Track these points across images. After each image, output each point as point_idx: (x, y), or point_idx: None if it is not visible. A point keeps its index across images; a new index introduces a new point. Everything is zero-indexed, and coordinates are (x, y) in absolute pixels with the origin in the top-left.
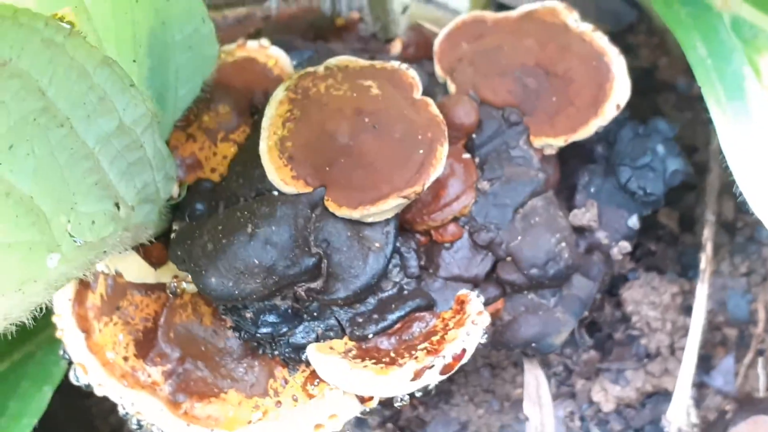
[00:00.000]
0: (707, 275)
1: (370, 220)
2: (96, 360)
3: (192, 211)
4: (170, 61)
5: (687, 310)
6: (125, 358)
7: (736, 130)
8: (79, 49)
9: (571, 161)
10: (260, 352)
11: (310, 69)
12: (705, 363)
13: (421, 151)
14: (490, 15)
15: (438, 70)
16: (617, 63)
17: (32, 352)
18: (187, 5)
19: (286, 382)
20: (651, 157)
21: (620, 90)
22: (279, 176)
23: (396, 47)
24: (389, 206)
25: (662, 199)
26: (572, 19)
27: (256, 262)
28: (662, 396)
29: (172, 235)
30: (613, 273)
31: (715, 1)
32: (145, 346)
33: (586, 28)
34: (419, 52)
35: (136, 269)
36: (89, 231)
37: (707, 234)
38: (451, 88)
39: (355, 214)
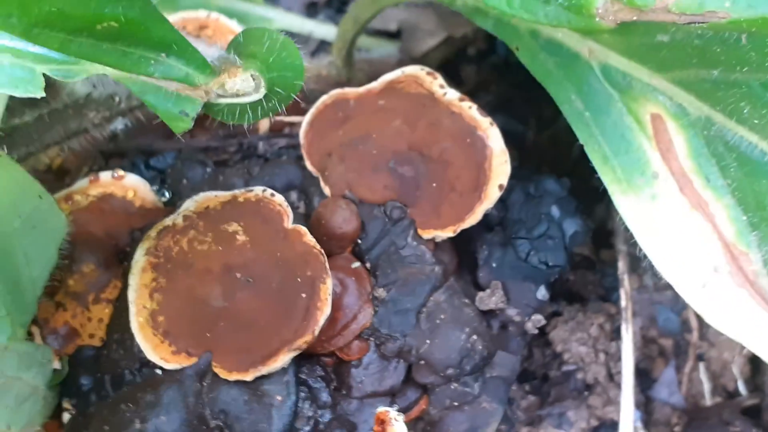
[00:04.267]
0: (629, 314)
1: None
2: None
3: (78, 388)
4: (15, 248)
5: (618, 332)
6: None
7: (628, 191)
8: None
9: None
10: None
11: (168, 222)
12: (646, 378)
13: (304, 295)
14: (352, 92)
15: (309, 165)
16: (492, 136)
17: None
18: (18, 189)
19: None
20: (547, 225)
21: (500, 168)
22: (158, 355)
23: (263, 125)
24: (282, 363)
25: (567, 264)
26: (438, 85)
27: None
28: (609, 428)
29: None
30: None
31: (582, 49)
32: None
33: (454, 97)
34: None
35: None
36: None
37: (622, 267)
38: (326, 189)
39: (248, 377)
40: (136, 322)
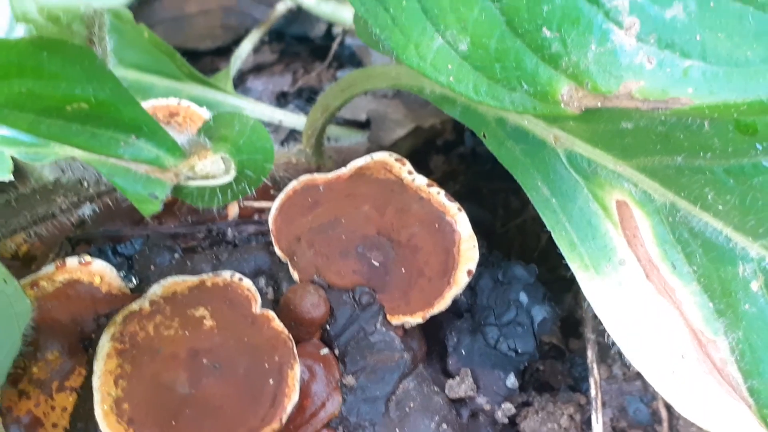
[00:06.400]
0: (599, 404)
1: None
2: None
3: None
4: None
5: (588, 423)
6: None
7: (595, 277)
8: None
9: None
10: None
11: (134, 307)
12: None
13: (272, 381)
14: (321, 177)
15: (277, 251)
16: (460, 221)
17: None
18: None
19: None
20: (515, 311)
21: (468, 254)
22: None
23: (232, 211)
24: None
25: (536, 351)
26: (406, 171)
27: None
28: None
29: None
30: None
31: (548, 136)
32: None
33: (422, 183)
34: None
35: None
36: None
37: (591, 356)
38: (295, 275)
39: None
40: (100, 409)
